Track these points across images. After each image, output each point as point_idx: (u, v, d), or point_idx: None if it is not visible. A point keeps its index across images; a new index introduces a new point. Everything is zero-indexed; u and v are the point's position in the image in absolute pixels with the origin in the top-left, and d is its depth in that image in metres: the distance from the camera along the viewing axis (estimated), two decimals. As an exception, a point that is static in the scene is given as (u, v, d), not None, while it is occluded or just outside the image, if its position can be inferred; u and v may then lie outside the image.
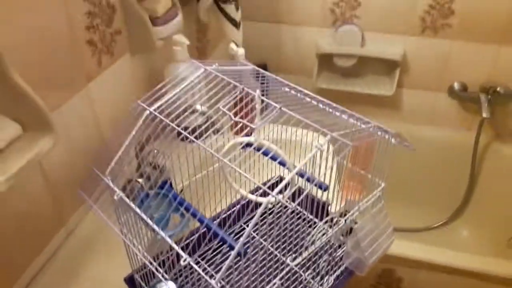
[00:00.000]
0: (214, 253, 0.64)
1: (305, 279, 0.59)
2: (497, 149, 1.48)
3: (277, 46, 1.54)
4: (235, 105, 0.55)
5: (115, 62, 0.79)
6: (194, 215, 0.48)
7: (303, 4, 1.43)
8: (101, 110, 0.77)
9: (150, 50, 0.82)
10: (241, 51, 0.84)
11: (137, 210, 0.46)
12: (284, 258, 0.59)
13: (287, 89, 0.59)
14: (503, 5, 1.28)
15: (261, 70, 0.60)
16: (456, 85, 1.45)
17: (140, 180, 0.64)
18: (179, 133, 0.50)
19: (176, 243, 0.45)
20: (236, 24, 1.05)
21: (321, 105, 0.56)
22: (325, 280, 0.58)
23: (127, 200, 0.46)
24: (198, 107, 0.64)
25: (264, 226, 0.59)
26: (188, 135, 0.49)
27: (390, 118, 1.56)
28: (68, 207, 0.72)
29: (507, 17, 1.30)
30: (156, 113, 0.50)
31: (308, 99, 0.57)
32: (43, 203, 0.66)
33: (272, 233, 0.62)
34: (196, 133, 0.51)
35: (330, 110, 0.56)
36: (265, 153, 0.53)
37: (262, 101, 0.54)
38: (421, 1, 1.34)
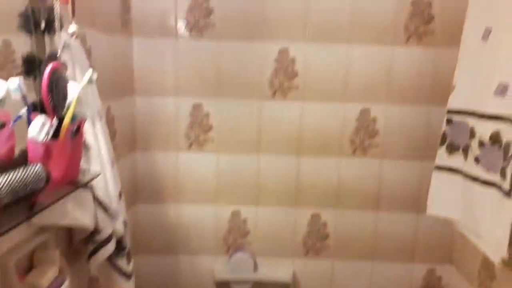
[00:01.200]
0: None
1: None
2: None
3: (174, 275, 1.57)
4: None
5: None
6: None
7: (198, 234, 1.55)
8: None
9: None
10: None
11: None
12: None
13: None
14: (369, 226, 1.53)
15: None
16: (344, 300, 1.56)
17: None
18: None
19: None
20: (128, 276, 1.08)
21: None
22: None
23: None
24: None
25: None
26: None
27: None
28: None
29: (373, 236, 1.54)
30: None
31: None
32: None
33: None
34: None
35: None
36: None
37: None
38: (300, 229, 1.55)
